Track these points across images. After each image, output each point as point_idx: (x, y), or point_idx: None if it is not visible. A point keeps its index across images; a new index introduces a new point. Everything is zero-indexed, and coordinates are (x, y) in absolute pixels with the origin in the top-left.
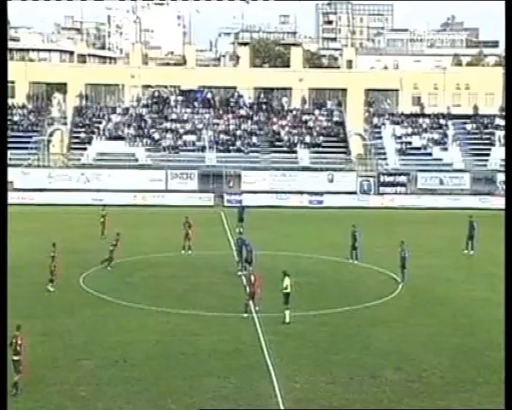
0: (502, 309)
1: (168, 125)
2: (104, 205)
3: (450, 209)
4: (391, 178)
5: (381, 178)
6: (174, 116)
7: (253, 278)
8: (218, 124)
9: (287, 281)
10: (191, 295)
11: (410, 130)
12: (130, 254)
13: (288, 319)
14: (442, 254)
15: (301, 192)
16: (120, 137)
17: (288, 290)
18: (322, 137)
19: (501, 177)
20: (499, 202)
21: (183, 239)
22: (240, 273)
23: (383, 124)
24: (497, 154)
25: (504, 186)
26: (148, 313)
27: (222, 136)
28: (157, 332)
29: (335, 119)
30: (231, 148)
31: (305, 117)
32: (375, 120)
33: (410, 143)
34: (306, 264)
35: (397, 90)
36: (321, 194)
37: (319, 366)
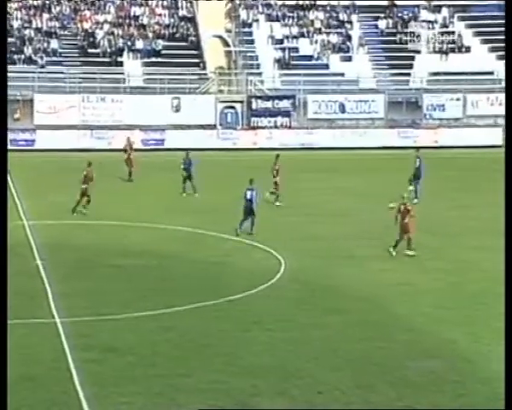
0: (429, 299)
1: None
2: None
3: (354, 149)
4: (268, 104)
5: (254, 104)
6: None
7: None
8: None
9: None
10: None
11: (295, 29)
12: None
13: None
14: (346, 219)
15: (130, 127)
16: None
17: None
18: (161, 42)
19: (429, 100)
20: (425, 138)
21: None
22: None
23: (255, 21)
24: (424, 65)
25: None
26: None
27: None
28: None
29: (182, 13)
30: (16, 57)
31: (134, 9)
32: (243, 15)
33: (295, 49)
34: (135, 237)
35: None
36: (161, 129)
37: (160, 396)
